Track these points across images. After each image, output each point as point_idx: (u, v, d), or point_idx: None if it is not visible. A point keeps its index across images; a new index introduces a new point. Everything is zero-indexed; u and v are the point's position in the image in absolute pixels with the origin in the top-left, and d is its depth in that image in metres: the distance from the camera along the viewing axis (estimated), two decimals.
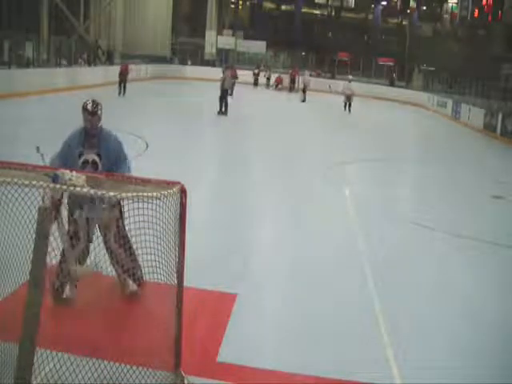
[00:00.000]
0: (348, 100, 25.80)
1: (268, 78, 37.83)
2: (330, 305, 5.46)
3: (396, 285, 6.12)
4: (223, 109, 20.37)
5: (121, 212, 4.56)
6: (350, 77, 28.69)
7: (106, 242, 4.67)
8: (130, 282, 4.92)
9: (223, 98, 20.39)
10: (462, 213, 9.68)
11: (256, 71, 38.06)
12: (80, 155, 4.65)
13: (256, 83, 37.35)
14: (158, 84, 32.55)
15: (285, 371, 4.21)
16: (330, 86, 26.94)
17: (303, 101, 29.30)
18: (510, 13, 38.19)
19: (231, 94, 24.36)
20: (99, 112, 4.80)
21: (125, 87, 23.81)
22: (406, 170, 13.99)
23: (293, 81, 35.96)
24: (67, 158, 4.63)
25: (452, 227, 8.47)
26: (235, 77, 27.34)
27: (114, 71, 26.77)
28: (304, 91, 29.77)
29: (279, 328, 4.96)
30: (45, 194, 3.17)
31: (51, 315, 3.46)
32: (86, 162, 4.62)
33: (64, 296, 4.61)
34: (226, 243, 7.05)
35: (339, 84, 31.80)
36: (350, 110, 25.53)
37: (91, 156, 4.65)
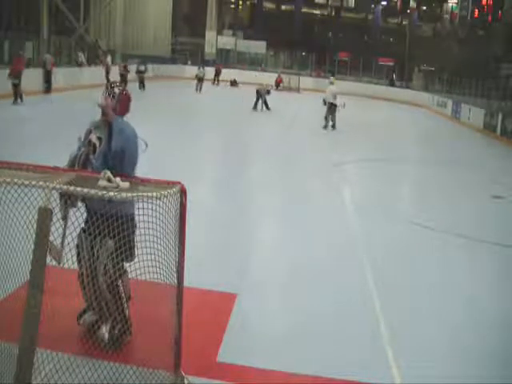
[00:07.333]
0: (331, 112, 17.81)
1: (200, 79, 30.34)
2: (330, 304, 5.46)
3: (396, 285, 6.12)
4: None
5: (120, 252, 3.72)
6: (332, 78, 20.42)
7: (92, 271, 4.09)
8: (104, 329, 4.21)
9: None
10: (462, 213, 9.67)
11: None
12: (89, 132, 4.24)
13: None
14: (157, 84, 32.54)
15: (284, 371, 4.21)
16: (324, 101, 19.08)
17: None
18: (510, 13, 38.23)
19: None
20: (114, 92, 4.16)
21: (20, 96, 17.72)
22: (406, 170, 13.98)
23: (217, 74, 36.05)
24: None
25: (452, 227, 8.47)
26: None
27: (115, 71, 26.79)
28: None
29: (279, 328, 4.95)
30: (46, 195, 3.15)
31: (51, 315, 3.45)
32: (89, 141, 4.18)
33: (81, 321, 4.34)
34: (226, 243, 7.05)
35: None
36: (334, 126, 17.96)
37: (93, 136, 4.17)
